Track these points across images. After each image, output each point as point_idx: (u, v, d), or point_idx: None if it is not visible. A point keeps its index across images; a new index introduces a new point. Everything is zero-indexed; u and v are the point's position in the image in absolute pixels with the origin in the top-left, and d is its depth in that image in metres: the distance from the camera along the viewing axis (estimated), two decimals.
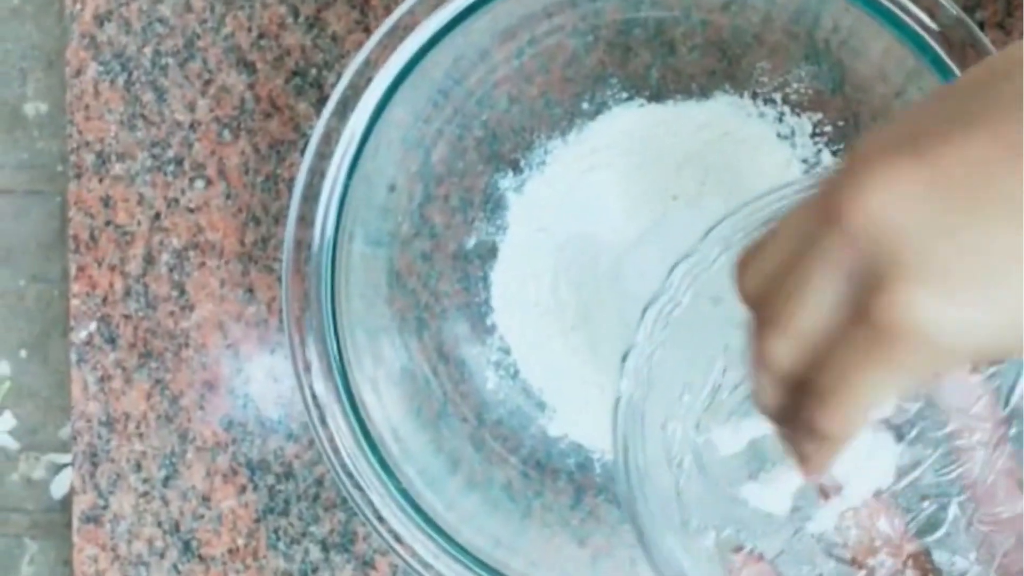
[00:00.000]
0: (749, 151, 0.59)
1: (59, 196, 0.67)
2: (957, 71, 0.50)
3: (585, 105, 0.60)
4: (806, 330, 0.36)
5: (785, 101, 0.59)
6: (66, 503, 0.67)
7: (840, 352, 0.35)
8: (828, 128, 0.58)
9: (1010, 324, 0.33)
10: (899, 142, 0.34)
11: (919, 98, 0.37)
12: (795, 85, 0.58)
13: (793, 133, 0.59)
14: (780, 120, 0.59)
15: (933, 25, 0.50)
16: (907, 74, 0.52)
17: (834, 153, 0.58)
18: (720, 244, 0.46)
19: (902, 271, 0.33)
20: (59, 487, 0.67)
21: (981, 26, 0.55)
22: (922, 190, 0.33)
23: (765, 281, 0.37)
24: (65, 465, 0.67)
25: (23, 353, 0.68)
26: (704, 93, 0.59)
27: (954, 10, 0.50)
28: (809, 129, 0.59)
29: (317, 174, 0.52)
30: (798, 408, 0.38)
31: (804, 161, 0.59)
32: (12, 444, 0.68)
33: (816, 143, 0.59)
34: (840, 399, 0.36)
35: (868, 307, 0.34)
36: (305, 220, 0.52)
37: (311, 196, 0.52)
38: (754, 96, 0.59)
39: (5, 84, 0.68)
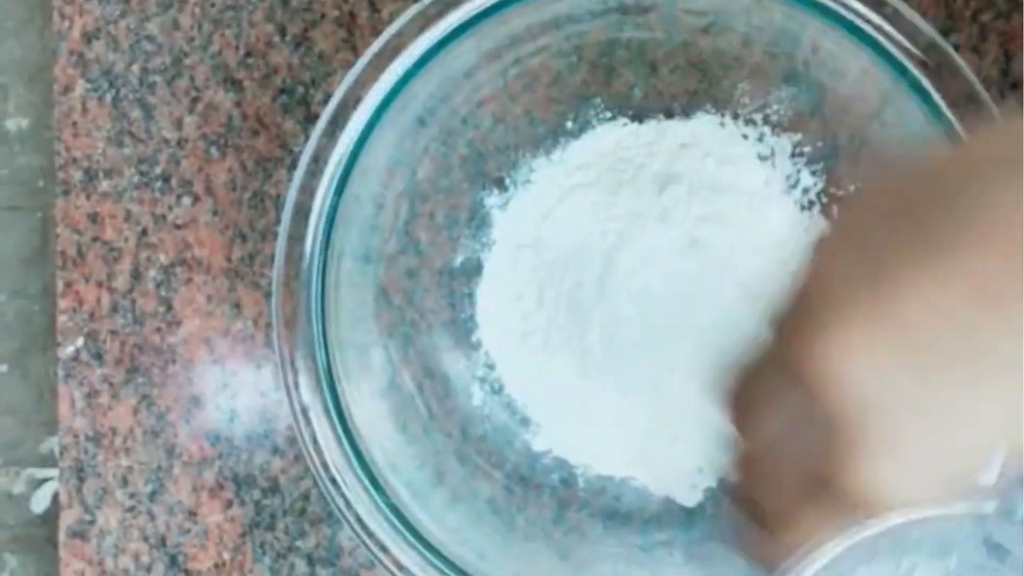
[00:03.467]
0: (731, 171, 0.60)
1: (40, 212, 0.67)
2: (932, 92, 0.51)
3: (569, 124, 0.61)
4: (765, 443, 0.36)
5: (765, 122, 0.59)
6: (47, 517, 0.67)
7: (788, 481, 0.35)
8: (807, 148, 0.59)
9: (961, 476, 0.33)
10: (858, 284, 0.32)
11: (868, 193, 0.35)
12: (775, 106, 0.59)
13: (773, 153, 0.60)
14: (761, 140, 0.60)
15: (910, 47, 0.51)
16: (884, 95, 0.53)
17: (813, 173, 0.59)
18: None
19: (859, 438, 0.32)
20: (40, 502, 0.67)
21: (956, 49, 0.56)
22: (883, 353, 0.31)
23: (745, 391, 0.37)
24: (46, 480, 0.67)
25: (3, 368, 0.68)
26: (686, 113, 0.60)
27: (930, 33, 0.51)
28: (789, 149, 0.59)
29: (307, 192, 0.52)
30: (750, 498, 0.37)
31: (787, 178, 0.60)
32: None
33: (795, 163, 0.60)
34: (782, 523, 0.36)
35: (824, 463, 0.33)
36: (295, 237, 0.52)
37: (301, 214, 0.52)
38: (735, 116, 0.60)
39: None
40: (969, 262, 0.30)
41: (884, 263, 0.32)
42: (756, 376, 0.36)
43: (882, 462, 0.32)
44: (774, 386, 0.34)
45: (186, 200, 0.64)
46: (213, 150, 0.63)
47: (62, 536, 0.64)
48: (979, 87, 0.51)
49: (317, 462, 0.53)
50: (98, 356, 0.64)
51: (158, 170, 0.64)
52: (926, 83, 0.51)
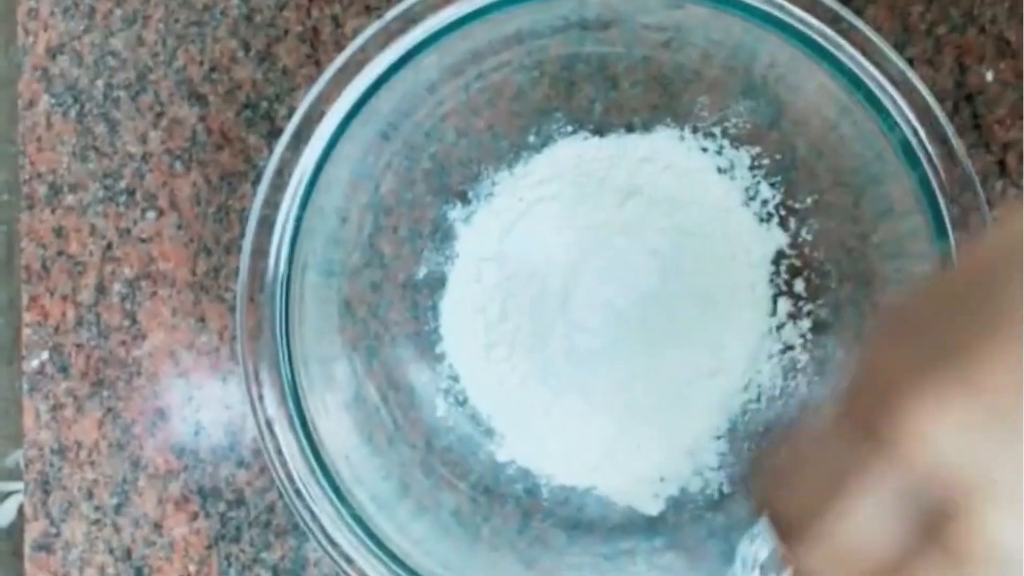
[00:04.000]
0: (691, 183, 0.60)
1: (5, 226, 0.67)
2: (888, 106, 0.51)
3: (531, 138, 0.61)
4: (856, 547, 0.35)
5: (724, 135, 0.60)
6: (12, 531, 0.67)
7: (902, 573, 0.35)
8: (766, 161, 0.60)
9: None
10: (932, 359, 0.33)
11: (911, 293, 0.37)
12: (734, 119, 0.59)
13: (732, 166, 0.60)
14: (720, 153, 0.60)
15: (865, 62, 0.52)
16: (840, 109, 0.54)
17: (771, 185, 0.60)
18: None
19: (973, 498, 0.32)
20: (5, 515, 0.67)
21: (911, 63, 0.57)
22: (980, 417, 0.32)
23: (801, 499, 0.36)
24: (11, 493, 0.67)
25: None
26: (646, 127, 0.61)
27: (885, 47, 0.52)
28: (747, 162, 0.60)
29: (271, 206, 0.53)
30: None
31: (746, 190, 0.60)
32: None
33: (754, 175, 0.60)
34: None
35: (939, 533, 0.33)
36: (259, 251, 0.53)
37: (265, 227, 0.53)
38: (694, 130, 0.60)
39: None
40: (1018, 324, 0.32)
41: (952, 342, 0.33)
42: (820, 462, 0.36)
43: (998, 514, 0.32)
44: (845, 465, 0.35)
45: (151, 214, 0.64)
46: (178, 164, 0.64)
47: (27, 549, 0.64)
48: (933, 100, 0.51)
49: (282, 474, 0.53)
50: (63, 369, 0.64)
51: (123, 184, 0.64)
52: (881, 96, 0.52)
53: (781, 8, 0.52)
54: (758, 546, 0.46)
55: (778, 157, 0.60)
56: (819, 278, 0.60)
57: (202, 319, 0.63)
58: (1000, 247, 0.34)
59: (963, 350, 0.32)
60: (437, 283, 0.61)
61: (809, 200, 0.59)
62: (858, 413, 0.35)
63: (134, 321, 0.64)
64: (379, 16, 0.53)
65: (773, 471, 0.38)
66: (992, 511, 0.32)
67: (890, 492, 0.34)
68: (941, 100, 0.52)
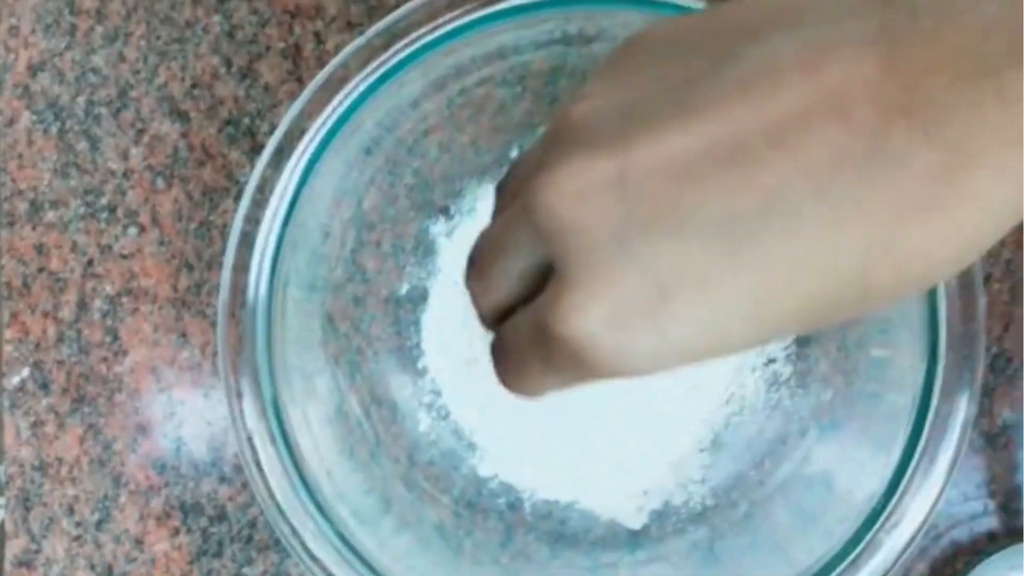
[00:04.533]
0: None
1: None
2: None
3: (513, 153, 0.61)
4: (500, 291, 0.35)
5: None
6: None
7: (514, 330, 0.34)
8: None
9: (679, 354, 0.30)
10: (608, 118, 0.30)
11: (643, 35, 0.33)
12: None
13: None
14: None
15: None
16: None
17: None
18: None
19: (572, 279, 0.30)
20: None
21: None
22: (611, 190, 0.29)
23: (484, 251, 0.37)
24: None
25: None
26: None
27: None
28: None
29: (252, 222, 0.53)
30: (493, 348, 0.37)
31: None
32: None
33: None
34: (510, 373, 0.35)
35: (537, 304, 0.32)
36: (240, 266, 0.53)
37: (247, 243, 0.53)
38: None
39: None
40: (704, 116, 0.28)
41: (637, 108, 0.29)
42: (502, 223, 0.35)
43: (588, 307, 0.30)
44: (515, 228, 0.33)
45: (132, 230, 0.64)
46: (159, 181, 0.64)
47: (8, 566, 0.64)
48: None
49: (263, 489, 0.53)
50: (44, 386, 0.64)
51: (104, 201, 0.64)
52: None
53: None
54: None
55: None
56: None
57: (184, 335, 0.63)
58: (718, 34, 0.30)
59: (639, 117, 0.29)
60: (419, 298, 0.61)
61: None
62: (528, 173, 0.32)
63: (115, 337, 0.64)
64: (361, 32, 0.53)
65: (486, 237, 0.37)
66: (586, 304, 0.30)
67: (528, 243, 0.32)
68: None
